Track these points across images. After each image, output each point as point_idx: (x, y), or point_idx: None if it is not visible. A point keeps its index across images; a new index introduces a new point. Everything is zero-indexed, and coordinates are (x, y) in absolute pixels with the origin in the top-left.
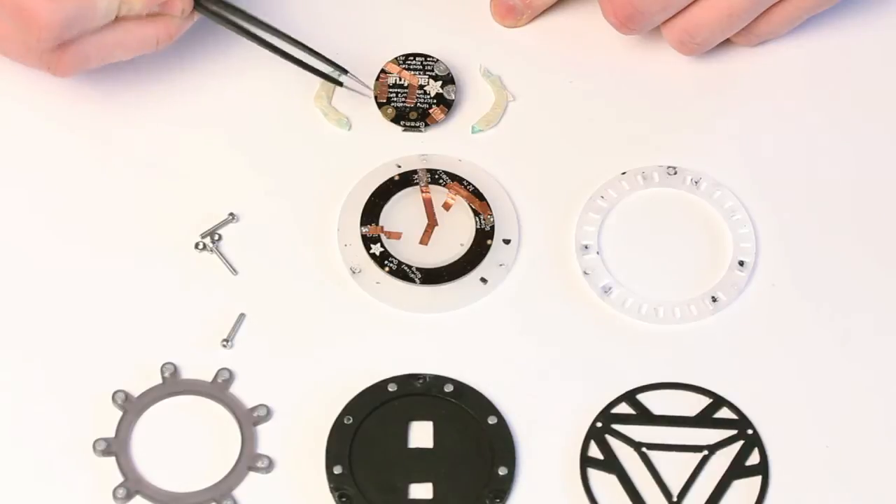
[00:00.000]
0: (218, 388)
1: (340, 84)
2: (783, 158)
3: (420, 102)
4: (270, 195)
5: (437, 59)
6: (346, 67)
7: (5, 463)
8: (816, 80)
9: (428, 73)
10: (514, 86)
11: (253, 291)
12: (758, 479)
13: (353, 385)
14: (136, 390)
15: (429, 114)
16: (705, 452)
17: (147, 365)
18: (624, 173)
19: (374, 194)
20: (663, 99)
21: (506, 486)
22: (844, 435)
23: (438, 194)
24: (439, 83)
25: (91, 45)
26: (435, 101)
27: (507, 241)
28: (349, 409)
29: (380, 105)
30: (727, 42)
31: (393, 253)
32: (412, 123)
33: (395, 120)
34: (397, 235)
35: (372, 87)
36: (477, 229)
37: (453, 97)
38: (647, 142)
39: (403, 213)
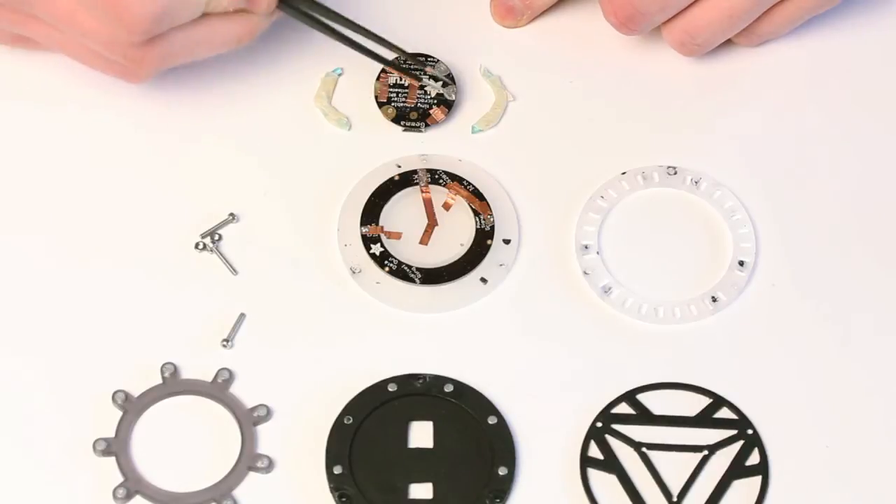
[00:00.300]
0: (218, 388)
1: (419, 79)
2: (783, 158)
3: (420, 102)
4: (270, 195)
5: (438, 60)
6: (429, 54)
7: (5, 463)
8: (817, 80)
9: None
10: (514, 86)
11: (253, 291)
12: (758, 479)
13: (353, 385)
14: (136, 390)
15: (429, 114)
16: (705, 452)
17: (147, 365)
18: (624, 173)
19: (374, 194)
20: (663, 99)
21: (506, 486)
22: (844, 435)
23: (438, 194)
24: (440, 83)
25: (177, 41)
26: (435, 101)
27: (507, 241)
28: (349, 409)
29: (380, 105)
30: (728, 42)
31: (393, 253)
32: (412, 123)
33: (396, 120)
34: (397, 235)
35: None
36: (477, 229)
37: (454, 97)
38: (647, 142)
39: (403, 213)
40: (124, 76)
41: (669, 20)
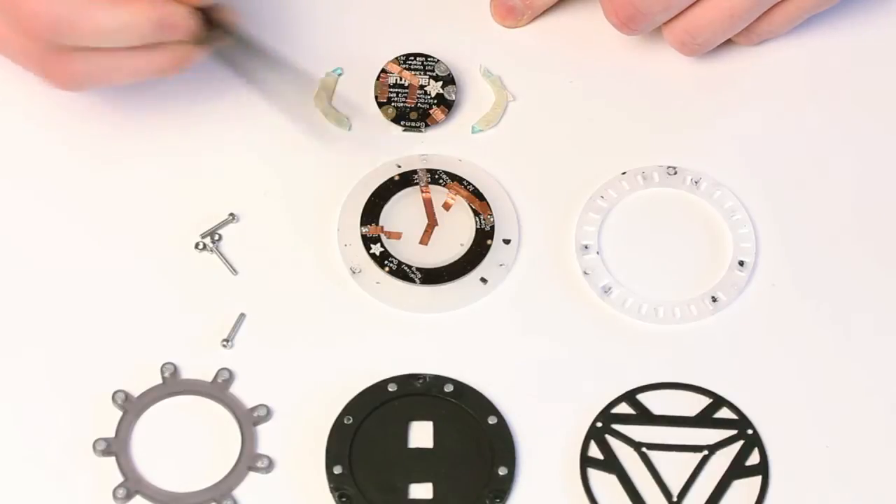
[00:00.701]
0: (218, 388)
1: (349, 129)
2: (783, 158)
3: (420, 102)
4: (270, 195)
5: (438, 60)
6: (346, 115)
7: (5, 463)
8: (817, 80)
9: (428, 73)
10: (514, 86)
11: (253, 291)
12: (758, 479)
13: (353, 385)
14: (136, 390)
15: (429, 114)
16: (705, 452)
17: (147, 365)
18: (624, 173)
19: (374, 194)
20: (663, 99)
21: (506, 486)
22: (844, 435)
23: (438, 194)
24: (440, 83)
25: (93, 64)
26: (435, 101)
27: (507, 241)
28: (349, 409)
29: (380, 105)
30: (727, 42)
31: (393, 253)
32: (412, 123)
33: (396, 120)
34: (397, 235)
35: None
36: (477, 229)
37: (454, 98)
38: (647, 142)
39: (403, 213)
40: (49, 83)
41: (670, 20)
